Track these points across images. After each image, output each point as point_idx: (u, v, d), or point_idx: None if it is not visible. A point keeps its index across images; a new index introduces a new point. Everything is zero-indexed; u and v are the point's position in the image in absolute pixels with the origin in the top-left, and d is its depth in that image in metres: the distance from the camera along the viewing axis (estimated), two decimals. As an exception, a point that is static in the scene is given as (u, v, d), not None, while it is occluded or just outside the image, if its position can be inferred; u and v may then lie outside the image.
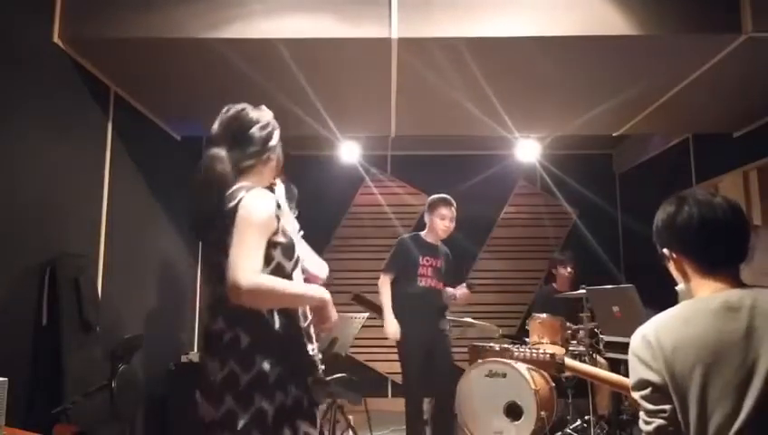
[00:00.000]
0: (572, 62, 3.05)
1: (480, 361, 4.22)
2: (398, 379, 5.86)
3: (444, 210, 3.80)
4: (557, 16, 2.74)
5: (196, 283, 4.57)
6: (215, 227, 1.62)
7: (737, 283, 1.28)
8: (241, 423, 1.52)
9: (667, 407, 1.19)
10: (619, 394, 3.55)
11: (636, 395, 1.24)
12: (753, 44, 2.76)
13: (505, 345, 2.14)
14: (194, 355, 4.03)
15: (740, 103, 3.70)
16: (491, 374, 4.12)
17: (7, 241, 2.48)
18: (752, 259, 1.30)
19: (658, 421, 1.19)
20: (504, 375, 4.12)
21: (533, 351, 1.98)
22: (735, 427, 1.12)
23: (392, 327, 3.70)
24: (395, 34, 2.76)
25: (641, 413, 1.23)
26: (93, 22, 2.79)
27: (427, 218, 3.90)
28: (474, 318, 4.73)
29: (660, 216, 1.38)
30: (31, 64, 2.64)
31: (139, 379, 3.32)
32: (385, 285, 3.81)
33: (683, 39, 2.79)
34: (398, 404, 5.54)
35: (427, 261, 3.81)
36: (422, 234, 3.91)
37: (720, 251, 1.30)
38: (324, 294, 1.67)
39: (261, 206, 1.58)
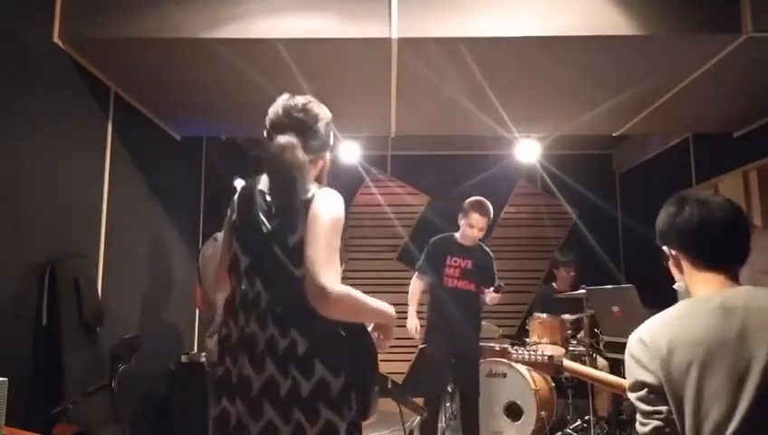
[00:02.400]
0: (572, 62, 3.05)
1: (480, 361, 4.23)
2: (399, 379, 5.87)
3: (475, 219, 3.71)
4: (557, 16, 2.74)
5: (196, 281, 4.56)
6: (278, 215, 1.51)
7: (733, 281, 1.29)
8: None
9: (663, 408, 1.19)
10: (619, 395, 3.56)
11: (632, 396, 1.25)
12: (753, 44, 2.76)
13: (505, 345, 2.15)
14: (194, 355, 4.02)
15: (740, 103, 3.70)
16: (491, 374, 4.13)
17: (7, 241, 2.48)
18: (749, 258, 1.31)
19: (655, 423, 1.19)
20: (504, 375, 4.13)
21: (532, 352, 1.98)
22: (731, 428, 1.12)
23: (409, 324, 3.84)
24: (395, 34, 2.75)
25: (638, 415, 1.24)
26: (93, 22, 2.78)
27: (459, 220, 3.85)
28: (474, 318, 4.73)
29: (662, 216, 1.40)
30: (31, 64, 2.64)
31: (139, 379, 3.32)
32: (412, 285, 3.98)
33: (683, 39, 2.79)
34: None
35: (455, 262, 3.79)
36: (456, 235, 3.88)
37: (717, 250, 1.31)
38: (391, 310, 1.59)
39: (340, 205, 1.51)
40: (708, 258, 1.32)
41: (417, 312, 3.94)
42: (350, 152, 5.48)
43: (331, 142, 1.69)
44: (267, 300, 1.48)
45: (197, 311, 4.57)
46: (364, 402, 1.49)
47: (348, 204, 5.98)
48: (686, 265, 1.35)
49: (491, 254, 3.94)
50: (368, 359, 1.54)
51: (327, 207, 1.47)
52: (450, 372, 3.86)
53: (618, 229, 6.10)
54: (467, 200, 3.83)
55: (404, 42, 2.80)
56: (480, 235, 3.78)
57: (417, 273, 3.99)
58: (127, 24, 2.75)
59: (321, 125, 1.64)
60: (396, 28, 2.75)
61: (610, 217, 6.03)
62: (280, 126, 1.61)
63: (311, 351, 1.43)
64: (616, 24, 2.72)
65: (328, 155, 1.70)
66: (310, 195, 1.49)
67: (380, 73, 3.17)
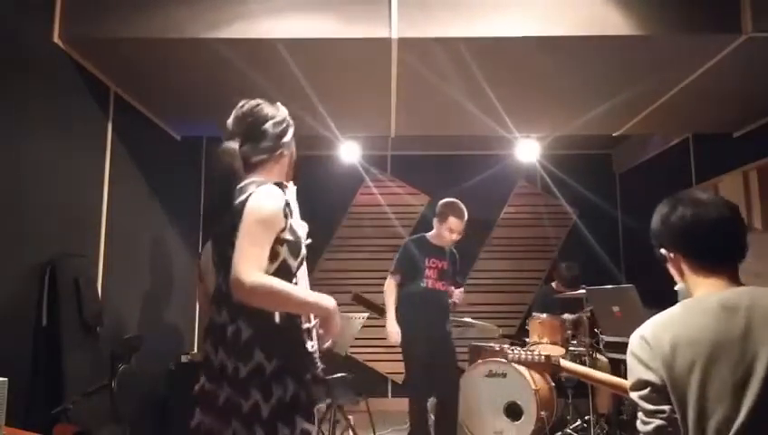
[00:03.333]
0: (572, 62, 3.05)
1: (480, 361, 4.23)
2: (399, 379, 5.87)
3: (454, 223, 3.71)
4: (557, 16, 2.74)
5: (196, 281, 4.56)
6: (223, 220, 1.64)
7: (734, 282, 1.29)
8: (242, 415, 1.54)
9: (665, 407, 1.19)
10: (619, 395, 3.55)
11: (634, 395, 1.24)
12: (753, 44, 2.76)
13: (505, 346, 2.14)
14: (194, 355, 4.02)
15: (740, 103, 3.70)
16: (491, 374, 4.12)
17: (7, 241, 2.48)
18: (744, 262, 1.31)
19: (657, 422, 1.19)
20: (504, 375, 4.13)
21: (528, 353, 1.97)
22: (735, 427, 1.12)
23: (392, 328, 3.73)
24: (395, 34, 2.76)
25: (639, 414, 1.23)
26: (93, 22, 2.78)
27: (435, 223, 3.83)
28: (474, 318, 4.73)
29: (656, 217, 1.40)
30: (31, 64, 2.64)
31: (139, 379, 3.32)
32: (390, 287, 3.85)
33: (683, 39, 2.79)
34: (398, 404, 5.55)
35: (433, 263, 3.78)
36: (428, 235, 3.87)
37: (714, 250, 1.31)
38: (330, 303, 1.65)
39: (270, 202, 1.59)
40: (705, 257, 1.31)
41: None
42: (350, 152, 5.49)
43: (286, 139, 1.77)
44: (226, 292, 1.61)
45: (197, 311, 4.57)
46: (302, 387, 1.60)
47: (348, 204, 6.04)
48: (684, 265, 1.34)
49: (456, 253, 3.98)
50: (299, 348, 1.66)
51: (255, 204, 1.57)
52: (429, 371, 3.83)
53: (618, 229, 6.10)
54: (443, 202, 3.81)
55: (404, 42, 2.80)
56: (457, 238, 3.78)
57: (392, 275, 3.87)
58: (127, 24, 2.75)
59: (268, 126, 1.73)
60: (396, 28, 2.75)
61: (610, 217, 6.03)
62: (230, 134, 1.72)
63: (253, 338, 1.57)
64: (616, 24, 2.72)
65: (288, 150, 1.79)
66: (245, 196, 1.60)
67: (380, 73, 3.17)
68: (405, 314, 3.78)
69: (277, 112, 1.77)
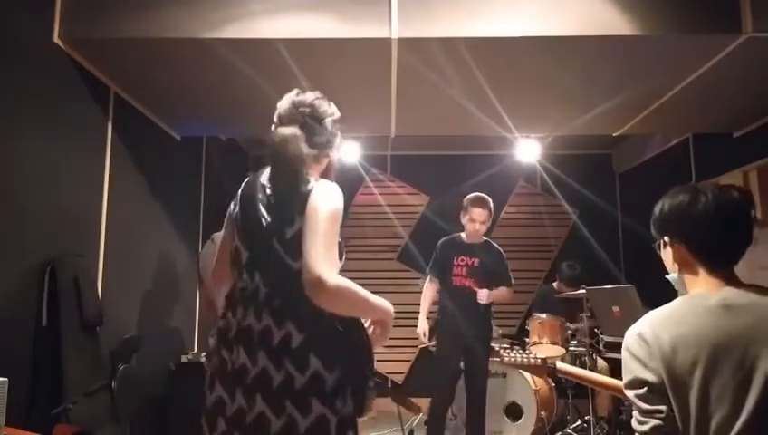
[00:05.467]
0: (572, 62, 3.05)
1: (480, 361, 4.23)
2: (399, 379, 5.87)
3: (476, 213, 3.72)
4: (557, 16, 2.74)
5: (197, 282, 4.57)
6: (277, 208, 1.52)
7: (733, 280, 1.27)
8: (302, 430, 1.40)
9: (663, 407, 1.17)
10: (619, 395, 3.54)
11: (629, 394, 1.22)
12: (753, 44, 2.76)
13: (504, 346, 2.13)
14: (194, 355, 4.02)
15: (740, 103, 3.70)
16: (491, 374, 4.12)
17: (7, 241, 2.48)
18: (748, 254, 1.28)
19: (654, 422, 1.17)
20: (504, 375, 4.13)
21: (524, 356, 1.94)
22: (736, 428, 1.11)
23: (419, 326, 3.86)
24: (395, 34, 2.75)
25: (634, 413, 1.21)
26: (93, 22, 2.78)
27: (462, 218, 3.84)
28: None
29: (669, 203, 1.32)
30: (31, 64, 2.64)
31: (139, 379, 3.32)
32: (425, 287, 4.00)
33: (683, 39, 2.79)
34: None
35: (462, 261, 3.80)
36: (462, 234, 3.88)
37: (726, 246, 1.28)
38: (390, 307, 1.57)
39: (337, 198, 1.50)
40: (715, 254, 1.27)
41: (431, 312, 3.97)
42: (350, 152, 5.49)
43: (337, 140, 1.69)
44: (265, 293, 1.48)
45: (198, 311, 4.57)
46: (359, 398, 1.48)
47: (348, 204, 6.03)
48: (689, 258, 1.29)
49: (500, 250, 3.89)
50: (363, 355, 1.53)
51: (325, 199, 1.47)
52: (458, 371, 3.84)
53: (618, 229, 6.11)
54: (466, 197, 3.84)
55: (404, 42, 2.80)
56: (483, 228, 3.77)
57: (428, 277, 4.00)
58: (127, 24, 2.75)
59: (327, 122, 1.65)
60: (396, 28, 2.75)
61: (610, 217, 6.03)
62: (286, 118, 1.62)
63: (306, 344, 1.43)
64: (616, 24, 2.72)
65: (334, 153, 1.70)
66: (309, 187, 1.49)
67: (380, 73, 3.17)
68: (437, 312, 3.90)
69: (334, 110, 1.69)
